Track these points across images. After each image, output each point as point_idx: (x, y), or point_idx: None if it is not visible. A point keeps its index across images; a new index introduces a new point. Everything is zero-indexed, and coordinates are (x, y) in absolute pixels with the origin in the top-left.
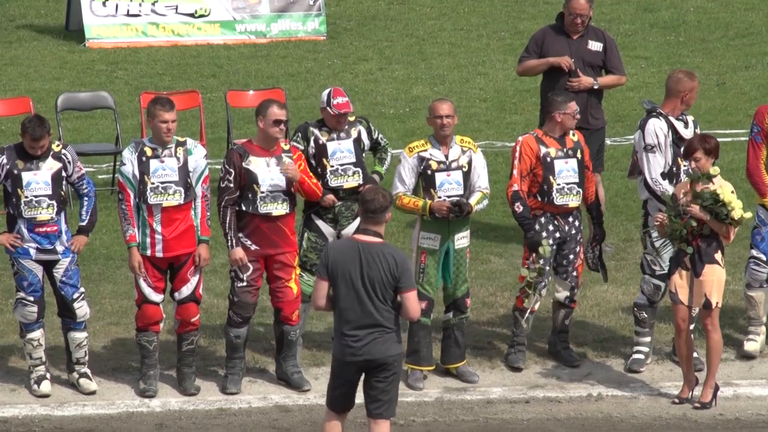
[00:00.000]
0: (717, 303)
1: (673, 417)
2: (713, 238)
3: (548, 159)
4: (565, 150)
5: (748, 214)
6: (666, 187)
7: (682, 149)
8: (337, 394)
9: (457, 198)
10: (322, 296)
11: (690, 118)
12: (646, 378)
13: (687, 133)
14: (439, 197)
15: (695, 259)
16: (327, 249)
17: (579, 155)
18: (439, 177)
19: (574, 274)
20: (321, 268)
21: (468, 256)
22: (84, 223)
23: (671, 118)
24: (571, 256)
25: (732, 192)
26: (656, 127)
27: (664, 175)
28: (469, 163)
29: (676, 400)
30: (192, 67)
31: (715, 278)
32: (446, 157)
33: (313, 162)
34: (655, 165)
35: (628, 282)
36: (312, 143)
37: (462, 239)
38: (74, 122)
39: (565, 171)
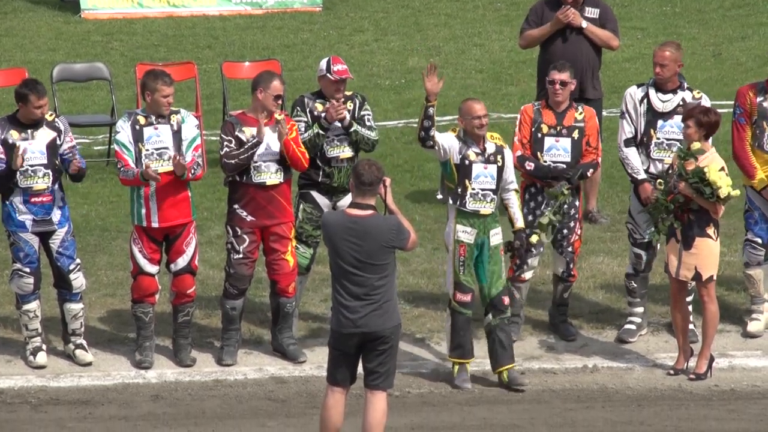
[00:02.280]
0: (711, 276)
1: (669, 388)
2: (705, 212)
3: (539, 134)
4: (558, 128)
5: (736, 192)
6: (624, 155)
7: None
8: (337, 368)
9: (513, 239)
10: None
11: (690, 93)
12: (641, 349)
13: (662, 106)
14: (473, 189)
15: (686, 232)
16: (325, 223)
17: (576, 135)
18: (476, 168)
19: (570, 249)
20: (324, 239)
21: (502, 253)
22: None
23: (650, 89)
24: (565, 231)
25: (721, 169)
26: (628, 94)
27: (628, 142)
28: (503, 158)
29: (672, 372)
30: (187, 39)
31: (707, 251)
32: (483, 150)
33: (321, 131)
34: (620, 131)
35: (623, 254)
36: (308, 115)
37: (496, 235)
38: (70, 93)
39: (555, 149)
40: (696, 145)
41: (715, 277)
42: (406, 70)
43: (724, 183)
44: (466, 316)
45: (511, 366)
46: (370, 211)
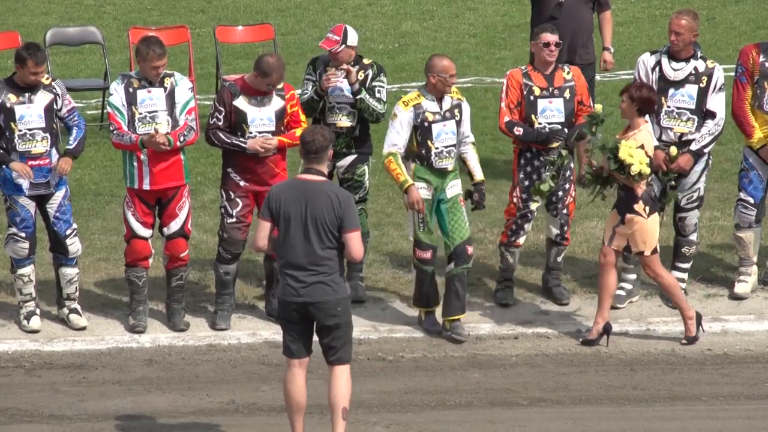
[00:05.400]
0: (647, 251)
1: (662, 353)
2: (631, 189)
3: (531, 97)
4: (551, 89)
5: (647, 170)
6: None
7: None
8: (288, 339)
9: (472, 190)
10: (263, 237)
11: (704, 63)
12: (634, 314)
13: (673, 75)
14: (437, 148)
15: (620, 207)
16: (271, 191)
17: (567, 94)
18: (436, 128)
19: (564, 211)
20: (264, 209)
21: (462, 203)
22: (71, 147)
23: (663, 56)
24: (560, 193)
25: (640, 147)
26: (641, 61)
27: None
28: (460, 112)
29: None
30: (180, 2)
31: (637, 228)
32: (440, 107)
33: (315, 96)
34: None
35: None
36: (317, 76)
37: (453, 187)
38: (63, 57)
39: (549, 111)
40: (598, 108)
41: (657, 252)
42: (399, 34)
43: (636, 160)
44: (428, 272)
45: (461, 315)
46: (322, 178)
